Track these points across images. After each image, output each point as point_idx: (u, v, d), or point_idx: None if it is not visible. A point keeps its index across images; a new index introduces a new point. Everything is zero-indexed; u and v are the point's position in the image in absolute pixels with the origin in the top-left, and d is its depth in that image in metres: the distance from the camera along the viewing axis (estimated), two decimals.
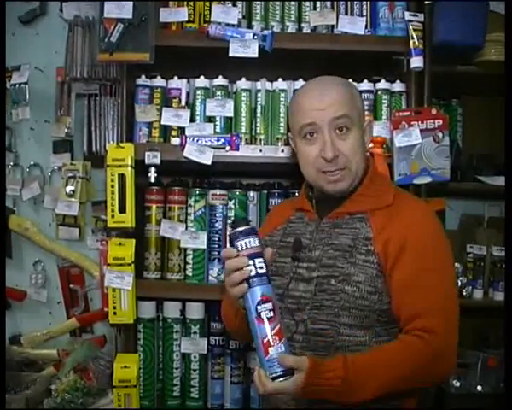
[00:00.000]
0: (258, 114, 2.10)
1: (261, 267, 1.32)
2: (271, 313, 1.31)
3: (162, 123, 2.06)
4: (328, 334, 1.41)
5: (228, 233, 1.38)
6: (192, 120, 2.07)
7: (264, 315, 1.30)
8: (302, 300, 1.46)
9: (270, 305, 1.31)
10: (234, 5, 2.09)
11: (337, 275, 1.43)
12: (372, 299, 1.41)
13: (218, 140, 2.00)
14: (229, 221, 2.10)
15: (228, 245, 1.40)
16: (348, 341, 1.41)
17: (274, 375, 1.29)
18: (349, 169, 1.47)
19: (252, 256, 1.32)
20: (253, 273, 1.32)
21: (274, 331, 1.30)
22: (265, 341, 1.30)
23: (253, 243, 1.33)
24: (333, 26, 2.08)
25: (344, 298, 1.41)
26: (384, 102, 2.09)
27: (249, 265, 1.32)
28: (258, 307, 1.30)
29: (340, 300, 1.41)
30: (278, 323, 1.31)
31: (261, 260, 1.33)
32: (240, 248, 1.33)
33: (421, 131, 1.97)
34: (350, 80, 2.07)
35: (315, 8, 2.10)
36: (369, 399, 1.33)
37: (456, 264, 2.18)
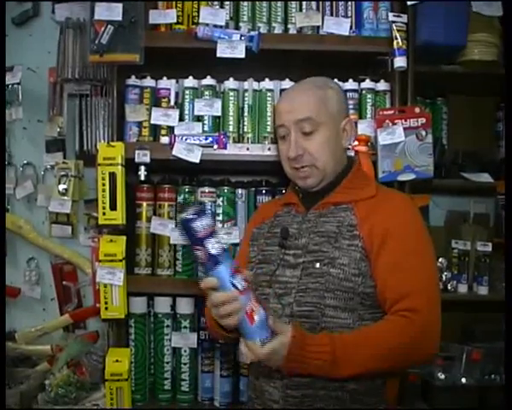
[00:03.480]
0: (246, 114, 2.14)
1: (219, 242, 1.33)
2: (245, 282, 1.34)
3: (152, 122, 2.10)
4: (313, 315, 1.46)
5: (179, 220, 1.38)
6: (181, 119, 2.11)
7: (240, 287, 1.33)
8: (289, 284, 1.51)
9: (241, 275, 1.34)
10: (221, 7, 2.13)
11: (322, 259, 1.49)
12: (356, 281, 1.46)
13: (206, 139, 2.04)
14: (218, 218, 2.14)
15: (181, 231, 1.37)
16: (333, 322, 1.45)
17: (263, 339, 1.33)
18: (316, 167, 1.55)
19: (210, 235, 1.32)
20: (217, 252, 1.32)
21: (253, 299, 1.34)
22: (249, 310, 1.33)
23: (208, 222, 1.33)
24: (318, 26, 2.12)
25: (329, 280, 1.47)
26: (368, 100, 2.13)
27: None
28: (233, 281, 1.33)
29: (326, 282, 1.47)
30: (252, 290, 1.36)
31: (217, 237, 1.34)
32: (198, 229, 1.31)
33: (404, 129, 2.01)
34: (336, 80, 2.12)
35: (301, 10, 2.14)
36: (354, 375, 1.39)
37: (442, 259, 2.23)
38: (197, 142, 2.03)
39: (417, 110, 2.04)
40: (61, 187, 2.34)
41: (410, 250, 1.47)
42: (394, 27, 2.05)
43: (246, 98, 2.14)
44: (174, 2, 2.12)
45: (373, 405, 1.48)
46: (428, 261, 1.50)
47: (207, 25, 2.06)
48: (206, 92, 2.13)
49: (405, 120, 2.02)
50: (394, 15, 2.07)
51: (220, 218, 2.15)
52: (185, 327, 2.16)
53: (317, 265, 1.49)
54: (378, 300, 1.48)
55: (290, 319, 1.48)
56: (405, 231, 1.49)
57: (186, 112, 2.13)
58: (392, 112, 2.05)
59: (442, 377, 2.19)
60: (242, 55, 2.01)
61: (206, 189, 2.16)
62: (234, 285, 1.33)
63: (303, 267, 1.51)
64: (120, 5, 2.01)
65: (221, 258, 1.33)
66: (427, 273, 1.48)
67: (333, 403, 1.44)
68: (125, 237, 2.04)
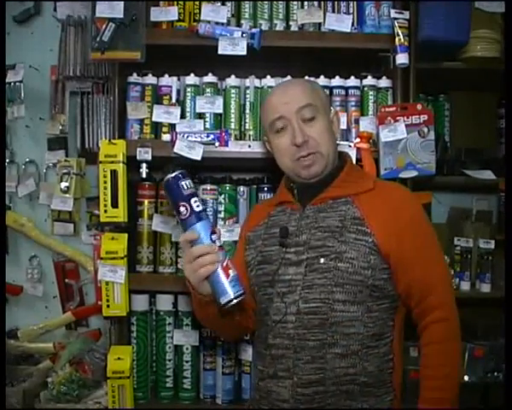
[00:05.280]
0: (247, 111, 2.14)
1: (200, 202, 1.45)
2: (220, 241, 1.44)
3: (153, 120, 2.10)
4: (322, 311, 1.46)
5: (164, 182, 1.48)
6: (182, 116, 2.11)
7: (218, 243, 1.43)
8: (293, 282, 1.51)
9: (218, 234, 1.44)
10: (223, 4, 2.12)
11: (328, 254, 1.49)
12: (366, 274, 1.47)
13: (207, 136, 2.03)
14: (219, 215, 2.15)
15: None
16: (342, 316, 1.46)
17: (237, 293, 1.42)
18: (320, 153, 1.56)
19: (192, 195, 1.44)
20: (200, 209, 1.43)
21: (228, 260, 1.44)
22: (225, 265, 1.42)
23: (189, 184, 1.45)
24: (320, 23, 2.11)
25: (337, 275, 1.47)
26: (371, 97, 2.13)
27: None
28: (213, 237, 1.43)
29: (334, 277, 1.47)
30: (225, 251, 1.47)
31: (198, 197, 1.46)
32: (185, 187, 1.44)
33: (406, 126, 2.00)
34: (337, 77, 2.13)
35: (302, 7, 2.13)
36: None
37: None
38: (199, 139, 2.03)
39: (419, 107, 2.03)
40: (63, 185, 2.34)
41: (426, 242, 1.53)
42: (396, 24, 2.04)
43: (247, 95, 2.14)
44: (175, 0, 2.11)
45: (382, 395, 1.50)
46: (440, 248, 1.57)
47: (209, 22, 2.05)
48: (208, 89, 2.13)
49: (407, 117, 2.01)
50: (396, 12, 2.06)
51: (222, 215, 2.15)
52: (187, 325, 2.16)
53: (322, 260, 1.49)
54: (398, 294, 1.52)
55: (297, 316, 1.48)
56: (419, 225, 1.54)
57: (187, 109, 2.13)
58: (394, 109, 2.04)
59: None
60: (244, 53, 2.01)
61: (208, 186, 2.16)
62: (213, 241, 1.43)
63: (307, 264, 1.51)
64: (122, 3, 2.00)
65: (203, 215, 1.43)
66: (443, 261, 1.61)
67: (343, 397, 1.45)
68: (126, 235, 2.04)
